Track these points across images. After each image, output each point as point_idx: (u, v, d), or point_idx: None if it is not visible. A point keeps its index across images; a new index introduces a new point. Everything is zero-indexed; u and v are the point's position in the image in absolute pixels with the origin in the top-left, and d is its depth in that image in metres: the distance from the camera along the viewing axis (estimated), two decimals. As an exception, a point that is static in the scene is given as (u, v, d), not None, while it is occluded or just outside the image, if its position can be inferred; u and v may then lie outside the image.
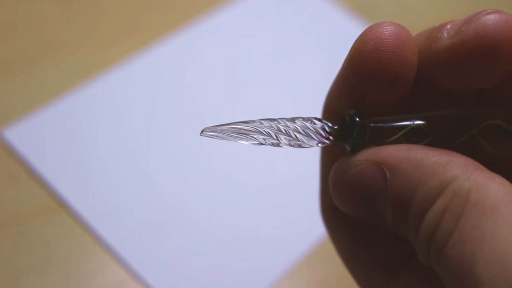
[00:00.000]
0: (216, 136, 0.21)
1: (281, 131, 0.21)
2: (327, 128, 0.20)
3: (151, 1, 0.45)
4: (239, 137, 0.22)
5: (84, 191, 0.33)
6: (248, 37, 0.43)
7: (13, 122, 0.36)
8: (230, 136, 0.22)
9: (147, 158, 0.35)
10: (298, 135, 0.21)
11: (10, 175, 0.34)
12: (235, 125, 0.22)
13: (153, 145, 0.36)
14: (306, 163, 0.37)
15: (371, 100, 0.19)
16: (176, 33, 0.43)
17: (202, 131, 0.20)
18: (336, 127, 0.20)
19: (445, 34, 0.18)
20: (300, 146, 0.21)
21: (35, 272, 0.30)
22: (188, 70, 0.41)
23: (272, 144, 0.21)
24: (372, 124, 0.19)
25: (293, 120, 0.21)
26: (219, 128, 0.21)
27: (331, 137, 0.20)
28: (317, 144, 0.21)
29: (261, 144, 0.21)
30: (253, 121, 0.22)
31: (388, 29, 0.18)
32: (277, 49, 0.43)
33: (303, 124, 0.21)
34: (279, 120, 0.21)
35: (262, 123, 0.21)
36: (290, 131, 0.21)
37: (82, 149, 0.35)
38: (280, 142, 0.21)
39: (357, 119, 0.19)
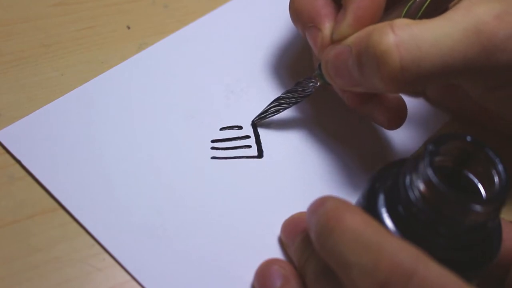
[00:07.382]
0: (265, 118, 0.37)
1: (294, 95, 0.36)
2: (311, 78, 0.36)
3: (150, 0, 0.45)
4: (275, 112, 0.37)
5: (82, 193, 0.33)
6: (248, 34, 0.43)
7: (8, 124, 0.35)
8: (272, 113, 0.37)
9: (145, 160, 0.35)
10: (300, 92, 0.36)
11: (7, 175, 0.33)
12: (270, 107, 0.37)
13: (151, 147, 0.36)
14: (308, 166, 0.37)
15: None
16: (175, 33, 0.42)
17: (253, 121, 0.38)
18: (314, 74, 0.36)
19: None
20: (306, 94, 0.36)
21: (32, 275, 0.30)
22: (187, 70, 0.40)
23: (295, 102, 0.37)
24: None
25: (295, 86, 0.37)
26: (263, 115, 0.37)
27: (314, 81, 0.36)
28: (312, 88, 0.36)
29: (289, 107, 0.37)
30: (278, 98, 0.37)
31: None
32: (275, 44, 0.42)
33: (300, 85, 0.36)
34: (289, 90, 0.37)
35: (283, 95, 0.37)
36: (297, 91, 0.36)
37: (79, 151, 0.35)
38: (297, 100, 0.36)
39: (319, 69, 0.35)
